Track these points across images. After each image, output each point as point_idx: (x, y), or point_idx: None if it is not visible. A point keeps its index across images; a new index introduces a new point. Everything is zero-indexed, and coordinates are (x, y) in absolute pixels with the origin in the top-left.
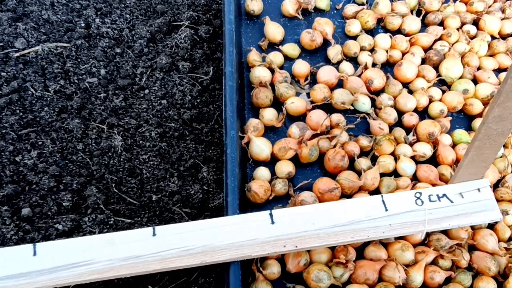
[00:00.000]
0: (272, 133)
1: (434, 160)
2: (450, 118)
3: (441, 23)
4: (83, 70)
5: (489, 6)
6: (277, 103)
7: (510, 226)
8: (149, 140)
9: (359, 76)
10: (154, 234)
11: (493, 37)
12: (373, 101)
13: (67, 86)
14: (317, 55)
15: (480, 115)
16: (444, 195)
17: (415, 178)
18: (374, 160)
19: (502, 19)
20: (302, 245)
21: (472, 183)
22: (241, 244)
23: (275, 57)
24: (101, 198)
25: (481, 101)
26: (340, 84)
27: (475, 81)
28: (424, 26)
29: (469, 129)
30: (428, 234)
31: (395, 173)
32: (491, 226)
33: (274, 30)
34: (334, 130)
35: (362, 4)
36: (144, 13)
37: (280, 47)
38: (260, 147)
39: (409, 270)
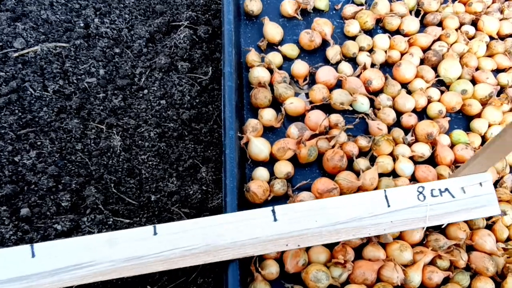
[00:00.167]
0: (271, 133)
1: (432, 161)
2: (448, 118)
3: (440, 24)
4: (82, 70)
5: (488, 7)
6: (276, 103)
7: (508, 227)
8: (148, 140)
9: (358, 76)
10: (155, 233)
11: (491, 38)
12: (371, 102)
13: (66, 86)
14: (316, 55)
15: (478, 115)
16: (446, 189)
17: (413, 179)
18: (372, 160)
19: (500, 20)
20: (304, 244)
21: (474, 177)
22: (244, 243)
23: (274, 58)
24: (100, 198)
25: (479, 101)
26: (339, 84)
27: (474, 81)
28: (423, 26)
29: (467, 129)
30: (426, 235)
31: (394, 174)
32: (489, 227)
33: (273, 30)
34: (333, 130)
35: (361, 4)
36: (143, 13)
37: (279, 47)
38: (259, 148)
39: (407, 270)
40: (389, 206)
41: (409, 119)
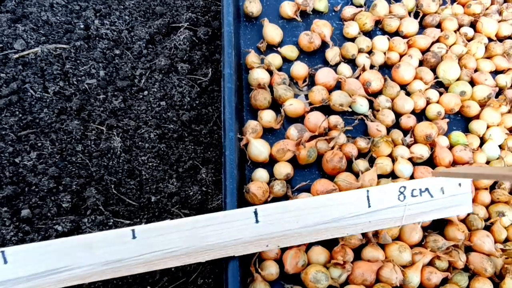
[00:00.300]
0: (270, 134)
1: (431, 162)
2: (447, 120)
3: (439, 25)
4: (82, 72)
5: (486, 9)
6: (276, 105)
7: (507, 228)
8: (148, 142)
9: (357, 78)
10: (134, 237)
11: (490, 39)
12: (371, 103)
13: (66, 87)
14: (315, 57)
15: (477, 117)
16: (426, 189)
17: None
18: (371, 161)
19: (499, 22)
20: (284, 244)
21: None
22: (225, 245)
23: (274, 59)
24: (100, 199)
25: (478, 103)
26: (338, 86)
27: (472, 83)
28: (422, 28)
29: (466, 131)
30: (425, 235)
31: (393, 175)
32: (488, 228)
33: (272, 32)
34: (332, 131)
35: (360, 6)
36: (143, 14)
37: (278, 49)
38: (259, 149)
39: (406, 271)
40: (369, 206)
41: (408, 121)
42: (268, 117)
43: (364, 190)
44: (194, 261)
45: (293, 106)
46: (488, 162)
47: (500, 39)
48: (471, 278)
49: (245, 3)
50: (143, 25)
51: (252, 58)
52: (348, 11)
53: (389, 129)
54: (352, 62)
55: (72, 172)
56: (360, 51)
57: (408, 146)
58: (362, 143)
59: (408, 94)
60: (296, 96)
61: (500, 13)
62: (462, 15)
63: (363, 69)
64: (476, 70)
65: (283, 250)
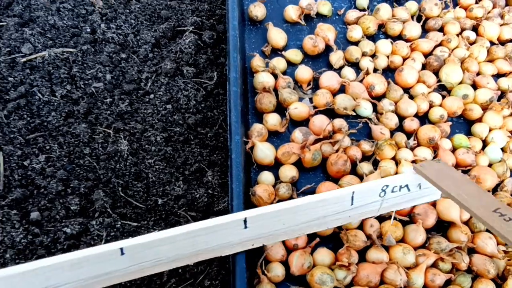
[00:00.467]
0: (275, 137)
1: None
2: (450, 123)
3: (441, 29)
4: (89, 75)
5: (488, 12)
6: (280, 108)
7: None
8: (154, 145)
9: (361, 81)
10: (122, 253)
11: (492, 43)
12: (374, 106)
13: (73, 91)
14: (319, 60)
15: (479, 120)
16: (406, 185)
17: None
18: (375, 164)
19: (501, 25)
20: (269, 242)
21: None
22: (214, 249)
23: (278, 63)
24: (108, 202)
25: (480, 106)
26: (342, 89)
27: (475, 86)
28: (425, 32)
29: (468, 133)
30: (428, 237)
31: None
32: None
33: (277, 35)
34: (337, 135)
35: (364, 10)
36: (149, 18)
37: (283, 52)
38: (264, 152)
39: (410, 272)
40: (352, 204)
41: (411, 124)
42: (273, 120)
43: (350, 190)
44: (182, 264)
45: (298, 109)
46: (490, 165)
47: (502, 43)
48: (474, 280)
49: (249, 7)
50: (149, 29)
51: (257, 61)
52: (352, 15)
53: (392, 132)
54: (355, 66)
55: (80, 175)
56: (363, 54)
57: (412, 149)
58: (366, 146)
59: (411, 97)
60: (300, 99)
61: (502, 17)
62: (464, 18)
63: (367, 73)
64: (478, 74)
65: (289, 252)
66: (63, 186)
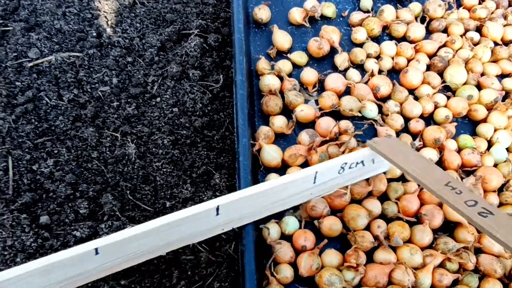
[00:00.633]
0: (282, 139)
1: (440, 165)
2: (455, 123)
3: (445, 30)
4: (95, 79)
5: (492, 13)
6: (287, 110)
7: None
8: (161, 148)
9: (366, 83)
10: (96, 253)
11: (495, 43)
12: (380, 108)
13: (80, 95)
14: (324, 62)
15: (484, 120)
16: (362, 161)
17: None
18: None
19: (504, 26)
20: (237, 225)
21: None
22: (185, 238)
23: (284, 65)
24: (116, 205)
25: (485, 106)
26: (347, 91)
27: (479, 87)
28: (429, 33)
29: (473, 134)
30: (435, 238)
31: (403, 178)
32: None
33: (282, 38)
34: (343, 136)
35: (368, 11)
36: (154, 22)
37: (288, 55)
38: (271, 154)
39: (418, 273)
40: (315, 182)
41: (416, 125)
42: (279, 122)
43: (314, 170)
44: (154, 256)
45: (304, 111)
46: (496, 165)
47: (506, 43)
48: (481, 279)
49: (254, 10)
50: (154, 33)
51: (262, 64)
52: (356, 16)
53: (398, 134)
54: (360, 67)
55: (88, 178)
56: (368, 56)
57: (417, 150)
58: None
59: (416, 98)
60: (306, 101)
61: (505, 17)
62: (468, 19)
63: (372, 74)
64: (482, 74)
65: (297, 253)
66: (72, 190)
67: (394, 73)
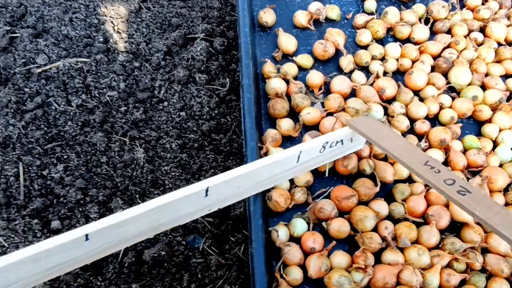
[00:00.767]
0: (289, 142)
1: (446, 166)
2: (460, 124)
3: (449, 31)
4: (103, 84)
5: (495, 13)
6: (293, 113)
7: None
8: (169, 152)
9: (371, 85)
10: (87, 239)
11: (499, 44)
12: (385, 110)
13: (88, 100)
14: (329, 65)
15: (489, 120)
16: (341, 140)
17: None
18: None
19: (507, 26)
20: (224, 205)
21: None
22: (174, 219)
23: (290, 68)
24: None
25: (489, 107)
26: (353, 93)
27: (484, 87)
28: (433, 34)
29: (479, 134)
30: (442, 238)
31: (410, 179)
32: None
33: (287, 41)
34: None
35: (372, 13)
36: (160, 26)
37: (293, 58)
38: None
39: (426, 273)
40: (298, 161)
41: (422, 126)
42: (286, 125)
43: (298, 150)
44: (143, 239)
45: (311, 114)
46: (501, 165)
47: (509, 43)
48: (488, 279)
49: (259, 13)
50: (160, 37)
51: (268, 67)
52: (360, 19)
53: (404, 135)
54: (365, 69)
55: (98, 183)
56: (373, 58)
57: (423, 151)
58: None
59: (421, 99)
60: (312, 104)
61: (509, 18)
62: (472, 20)
63: (377, 76)
64: (486, 75)
65: (306, 255)
66: (82, 195)
67: (399, 75)
